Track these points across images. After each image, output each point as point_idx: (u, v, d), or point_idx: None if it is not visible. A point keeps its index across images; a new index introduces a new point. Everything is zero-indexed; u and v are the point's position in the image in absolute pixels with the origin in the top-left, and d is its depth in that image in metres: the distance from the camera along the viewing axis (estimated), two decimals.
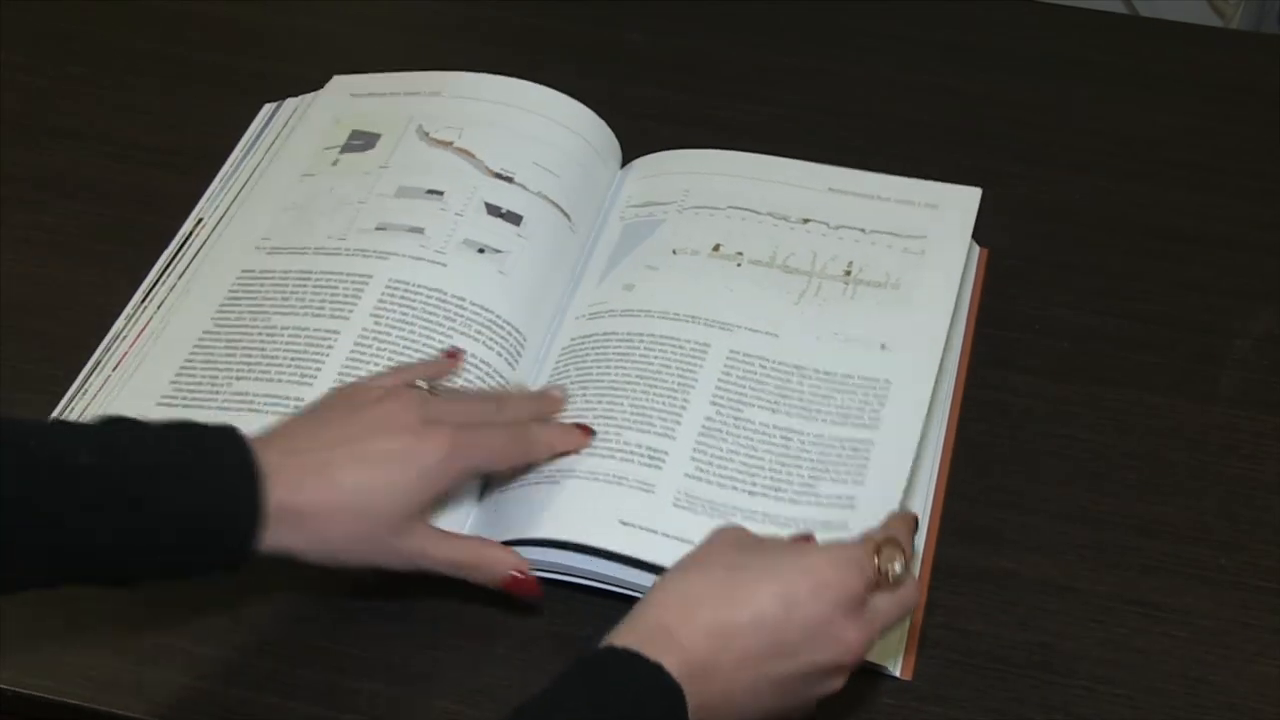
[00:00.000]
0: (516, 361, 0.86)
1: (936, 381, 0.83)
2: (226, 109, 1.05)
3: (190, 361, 0.86)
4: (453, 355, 0.84)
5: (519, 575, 0.77)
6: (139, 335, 0.90)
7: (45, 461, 0.67)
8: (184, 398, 0.85)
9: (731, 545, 0.70)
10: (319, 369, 0.84)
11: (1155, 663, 0.78)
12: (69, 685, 0.77)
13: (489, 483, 0.82)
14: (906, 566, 0.69)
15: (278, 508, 0.70)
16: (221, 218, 0.96)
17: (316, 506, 0.71)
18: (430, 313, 0.86)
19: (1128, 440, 0.87)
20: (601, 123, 0.98)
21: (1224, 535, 0.83)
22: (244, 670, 0.78)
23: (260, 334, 0.87)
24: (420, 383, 0.79)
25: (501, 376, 0.85)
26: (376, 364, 0.84)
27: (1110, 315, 0.94)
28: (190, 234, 0.96)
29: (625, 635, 0.66)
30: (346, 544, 0.73)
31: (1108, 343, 0.92)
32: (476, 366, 0.85)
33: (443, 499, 0.77)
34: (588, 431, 0.82)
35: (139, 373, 0.87)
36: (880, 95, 1.08)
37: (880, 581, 0.68)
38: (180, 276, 0.93)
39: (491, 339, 0.86)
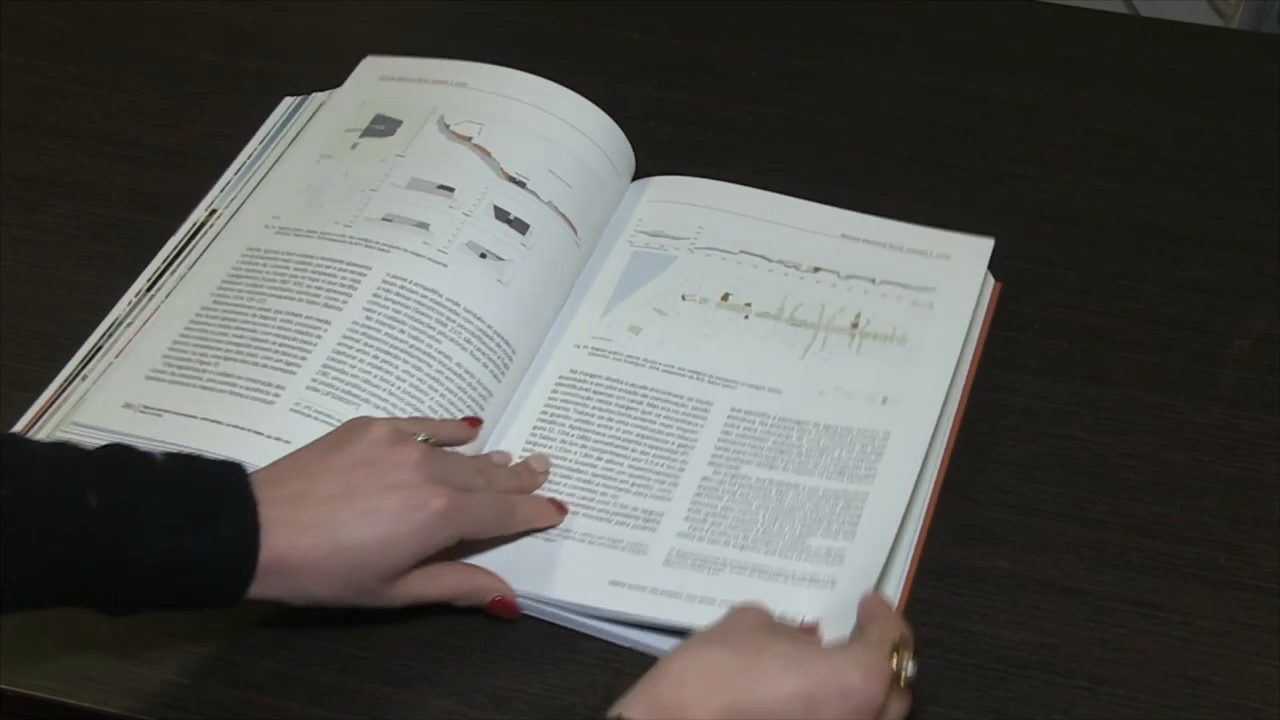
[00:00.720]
0: (503, 375, 0.86)
1: (935, 428, 0.83)
2: (228, 108, 1.05)
3: (185, 336, 0.86)
4: (471, 423, 0.83)
5: (502, 599, 0.78)
6: (146, 322, 0.89)
7: (52, 494, 0.67)
8: (172, 373, 0.84)
9: (754, 628, 0.69)
10: (304, 358, 0.84)
11: (1155, 663, 0.78)
12: (69, 685, 0.77)
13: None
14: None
15: (272, 561, 0.71)
16: (244, 203, 0.95)
17: (312, 561, 0.71)
18: (423, 314, 0.86)
19: (1128, 440, 0.87)
20: (622, 136, 0.97)
21: (1224, 535, 0.83)
22: (244, 670, 0.78)
23: (255, 315, 0.87)
24: (420, 436, 0.77)
25: (486, 389, 0.85)
26: (361, 360, 0.83)
27: (1110, 315, 0.94)
28: (203, 224, 0.95)
29: (637, 706, 0.64)
30: (335, 594, 0.74)
31: (1108, 343, 0.92)
32: (460, 376, 0.84)
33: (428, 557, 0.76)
34: (563, 509, 0.81)
35: (135, 345, 0.87)
36: (880, 95, 1.08)
37: (893, 685, 0.68)
38: (189, 264, 0.92)
39: (479, 349, 0.86)
